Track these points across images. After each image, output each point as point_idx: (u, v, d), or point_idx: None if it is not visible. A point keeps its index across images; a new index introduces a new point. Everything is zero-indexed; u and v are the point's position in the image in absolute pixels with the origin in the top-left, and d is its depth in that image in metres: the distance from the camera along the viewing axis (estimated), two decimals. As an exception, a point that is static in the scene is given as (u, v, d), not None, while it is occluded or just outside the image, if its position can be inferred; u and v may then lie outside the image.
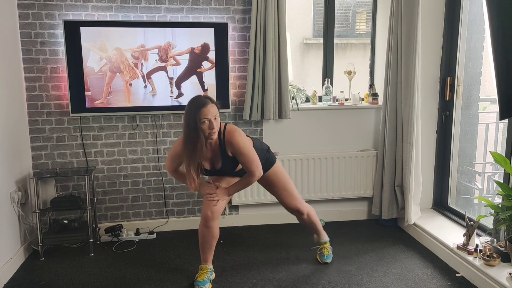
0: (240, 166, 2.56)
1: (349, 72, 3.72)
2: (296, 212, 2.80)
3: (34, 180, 3.01)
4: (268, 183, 2.72)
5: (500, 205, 2.64)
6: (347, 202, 3.75)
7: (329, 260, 2.89)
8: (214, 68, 3.30)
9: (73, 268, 2.88)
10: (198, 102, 2.30)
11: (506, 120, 2.71)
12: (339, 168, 3.62)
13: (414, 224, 3.32)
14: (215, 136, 2.37)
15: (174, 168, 2.56)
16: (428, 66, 3.38)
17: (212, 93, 3.31)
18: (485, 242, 2.70)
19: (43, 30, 3.14)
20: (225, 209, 3.57)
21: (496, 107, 2.79)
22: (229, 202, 3.56)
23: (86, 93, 3.16)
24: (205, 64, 3.29)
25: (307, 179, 3.59)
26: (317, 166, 3.59)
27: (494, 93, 2.38)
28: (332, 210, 3.74)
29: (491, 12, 2.28)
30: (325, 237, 2.96)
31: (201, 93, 3.30)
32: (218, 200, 2.55)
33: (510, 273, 2.41)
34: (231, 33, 3.37)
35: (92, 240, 3.10)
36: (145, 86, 3.24)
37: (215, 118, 2.33)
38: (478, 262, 2.61)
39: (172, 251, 3.15)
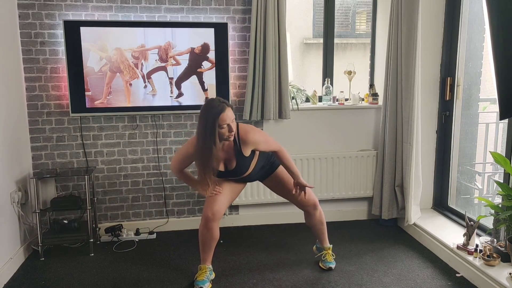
0: (250, 170, 2.58)
1: (349, 72, 3.72)
2: (312, 206, 2.74)
3: (34, 180, 3.01)
4: (279, 183, 2.71)
5: (500, 205, 2.64)
6: (347, 202, 3.75)
7: (332, 266, 2.83)
8: (214, 68, 3.30)
9: (73, 268, 2.88)
10: (217, 107, 2.29)
11: (506, 120, 2.71)
12: (339, 168, 3.62)
13: (414, 224, 3.32)
14: (232, 138, 2.39)
15: (180, 169, 2.55)
16: (428, 66, 3.38)
17: (212, 93, 3.31)
18: (485, 242, 2.70)
19: (43, 30, 3.14)
20: (225, 209, 3.56)
21: (496, 107, 2.79)
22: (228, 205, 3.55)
23: (86, 93, 3.16)
24: (205, 64, 3.29)
25: (307, 179, 3.59)
26: (317, 166, 3.59)
27: (494, 93, 2.38)
28: (332, 210, 3.74)
29: (491, 12, 2.28)
30: (327, 242, 2.90)
31: (201, 93, 3.30)
32: (306, 192, 2.64)
33: (510, 273, 2.41)
34: (231, 33, 3.37)
35: (92, 240, 3.10)
36: (145, 86, 3.24)
37: (232, 121, 2.35)
38: (478, 262, 2.61)
39: (172, 251, 3.15)
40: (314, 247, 2.99)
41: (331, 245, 2.92)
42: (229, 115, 2.31)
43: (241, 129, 2.46)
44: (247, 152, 2.48)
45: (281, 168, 2.71)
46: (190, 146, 2.45)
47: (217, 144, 2.33)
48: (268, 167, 2.69)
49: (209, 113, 2.29)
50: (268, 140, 2.53)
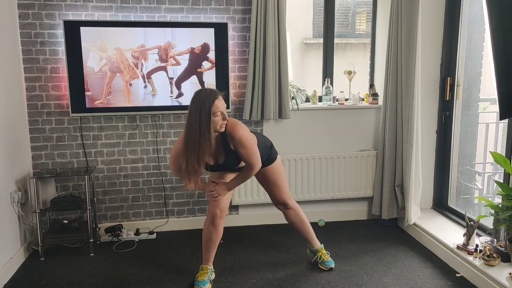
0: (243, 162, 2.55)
1: (349, 72, 3.72)
2: (283, 205, 2.78)
3: (34, 180, 3.01)
4: (263, 176, 2.70)
5: (500, 205, 2.64)
6: (347, 202, 3.75)
7: (332, 265, 2.83)
8: (214, 68, 3.30)
9: (73, 268, 2.88)
10: (209, 96, 2.27)
11: (506, 120, 2.71)
12: (339, 168, 3.62)
13: (414, 224, 3.32)
14: (224, 128, 2.36)
15: (179, 166, 2.50)
16: (428, 66, 3.38)
17: (212, 93, 3.30)
18: (485, 242, 2.70)
19: (43, 30, 3.14)
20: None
21: (496, 107, 2.79)
22: (230, 202, 3.56)
23: (86, 93, 3.16)
24: (205, 64, 3.29)
25: (307, 179, 3.59)
26: (317, 166, 3.59)
27: (494, 93, 2.38)
28: (332, 210, 3.74)
29: (491, 12, 2.28)
30: (318, 243, 2.89)
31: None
32: (219, 196, 2.54)
33: (510, 273, 2.41)
34: (231, 33, 3.37)
35: (92, 240, 3.10)
36: (145, 86, 3.24)
37: (225, 109, 2.34)
38: (478, 262, 2.62)
39: (172, 251, 3.15)
40: (308, 250, 2.98)
41: (322, 245, 2.90)
42: (222, 103, 2.31)
43: (230, 122, 2.39)
44: (233, 146, 2.43)
45: (274, 165, 2.67)
46: (179, 143, 2.42)
47: (212, 134, 2.30)
48: (266, 158, 2.61)
49: (204, 101, 2.25)
50: (252, 149, 2.41)
